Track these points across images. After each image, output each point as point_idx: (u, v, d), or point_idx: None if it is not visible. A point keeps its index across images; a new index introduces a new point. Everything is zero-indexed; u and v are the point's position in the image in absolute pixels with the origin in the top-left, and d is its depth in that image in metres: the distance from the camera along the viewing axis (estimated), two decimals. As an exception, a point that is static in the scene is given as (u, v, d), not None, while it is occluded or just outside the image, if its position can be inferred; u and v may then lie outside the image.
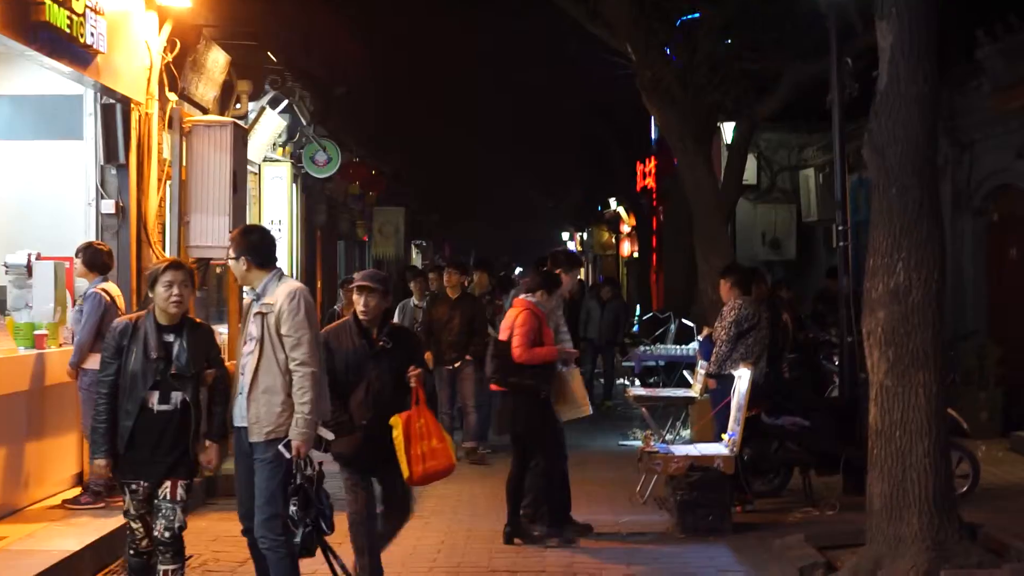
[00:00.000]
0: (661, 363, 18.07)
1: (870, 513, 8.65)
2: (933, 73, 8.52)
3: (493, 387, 10.51)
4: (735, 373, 10.73)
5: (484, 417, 14.29)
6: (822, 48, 16.33)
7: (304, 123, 18.26)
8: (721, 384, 11.16)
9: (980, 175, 16.91)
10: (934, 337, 8.52)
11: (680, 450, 10.51)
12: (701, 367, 12.47)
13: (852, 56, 12.38)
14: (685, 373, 15.58)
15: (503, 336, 10.19)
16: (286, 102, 16.68)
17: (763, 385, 11.12)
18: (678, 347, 17.33)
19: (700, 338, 13.14)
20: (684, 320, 18.73)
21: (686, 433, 14.68)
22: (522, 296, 10.43)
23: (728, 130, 20.52)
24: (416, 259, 48.36)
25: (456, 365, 14.37)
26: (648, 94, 15.52)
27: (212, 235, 11.47)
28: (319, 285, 25.10)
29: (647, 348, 17.69)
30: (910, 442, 8.47)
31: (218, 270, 14.54)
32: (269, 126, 16.54)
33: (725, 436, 10.53)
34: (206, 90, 13.68)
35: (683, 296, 22.25)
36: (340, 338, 7.97)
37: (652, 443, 10.51)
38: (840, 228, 12.08)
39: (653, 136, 33.85)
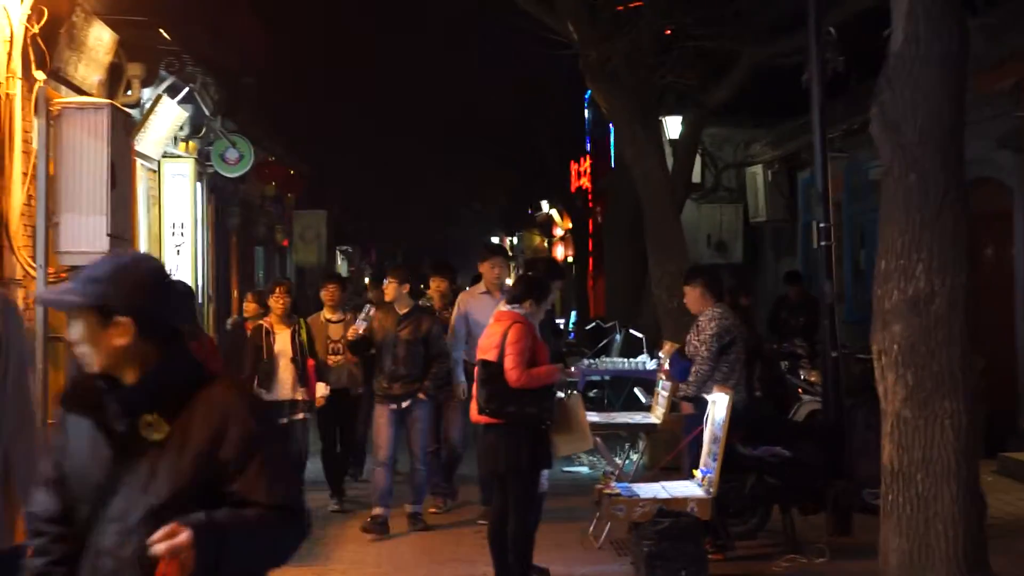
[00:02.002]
0: (606, 378, 16.41)
1: (884, 573, 7.07)
2: (961, 28, 6.98)
3: (482, 419, 8.59)
4: (709, 398, 9.07)
5: (441, 466, 11.94)
6: (782, 28, 14.91)
7: (208, 114, 16.40)
8: (699, 409, 9.51)
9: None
10: (963, 356, 7.04)
11: (646, 491, 8.81)
12: (663, 388, 10.82)
13: (834, 26, 10.77)
14: (637, 391, 13.92)
15: (489, 356, 8.46)
16: (187, 90, 14.84)
17: (740, 410, 9.50)
18: (625, 360, 15.68)
19: (662, 354, 11.45)
20: (632, 331, 17.08)
21: (635, 458, 13.06)
22: (506, 307, 8.74)
23: (672, 124, 18.99)
24: (342, 266, 46.56)
25: (405, 405, 10.93)
26: (593, 77, 13.92)
27: (87, 238, 9.61)
28: (235, 294, 23.28)
29: (591, 361, 16.01)
30: (935, 486, 6.94)
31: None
32: (167, 117, 14.72)
33: (697, 473, 8.89)
34: (88, 72, 11.84)
35: (627, 304, 20.63)
36: (81, 419, 3.54)
37: (612, 482, 8.79)
38: (822, 226, 10.48)
39: (588, 134, 32.43)
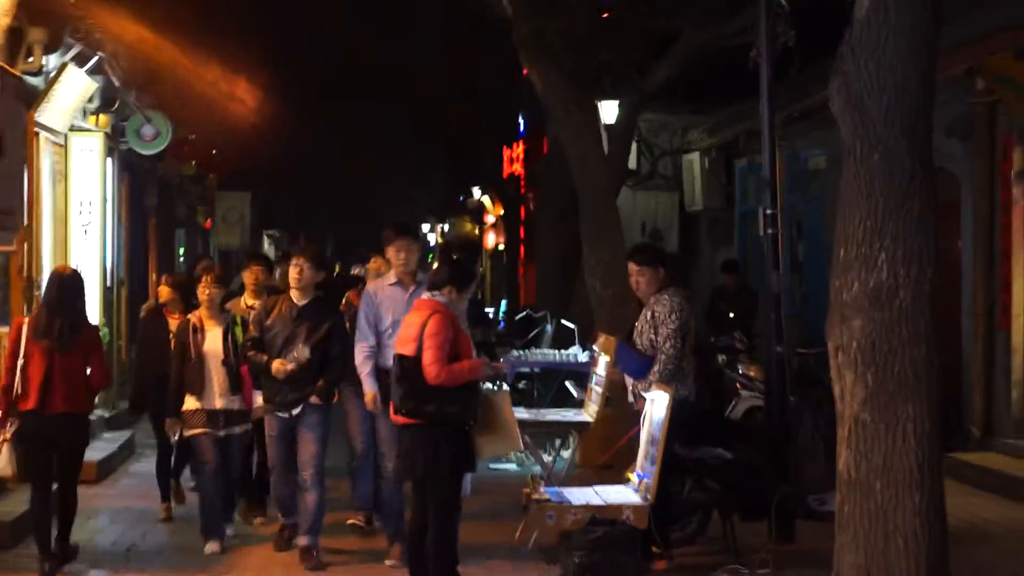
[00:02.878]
0: (536, 370, 15.65)
1: (838, 592, 6.44)
2: (934, -2, 6.34)
3: (400, 419, 7.76)
4: (647, 396, 8.38)
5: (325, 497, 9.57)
6: (725, 7, 14.31)
7: (117, 85, 15.47)
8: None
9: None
10: (928, 355, 6.41)
11: (578, 496, 8.10)
12: (597, 383, 10.13)
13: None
14: (568, 384, 13.23)
15: (407, 349, 7.66)
16: (96, 59, 13.93)
17: (692, 402, 8.81)
18: (556, 352, 14.96)
19: (596, 347, 10.72)
20: (564, 321, 16.36)
21: (566, 455, 12.38)
22: (425, 295, 7.95)
23: (607, 109, 18.33)
24: (268, 250, 45.55)
25: (295, 412, 9.26)
26: (527, 52, 13.20)
27: (-32, 213, 8.78)
28: (152, 277, 22.37)
29: (521, 353, 15.26)
30: (895, 497, 6.33)
31: (-6, 259, 11.85)
32: (74, 87, 13.78)
33: (633, 477, 8.20)
34: (-18, 35, 10.99)
35: (558, 293, 19.92)
36: None
37: (541, 487, 8.05)
38: (769, 212, 9.84)
39: (521, 120, 31.79)
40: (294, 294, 9.41)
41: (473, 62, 26.33)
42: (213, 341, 9.67)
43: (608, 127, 17.42)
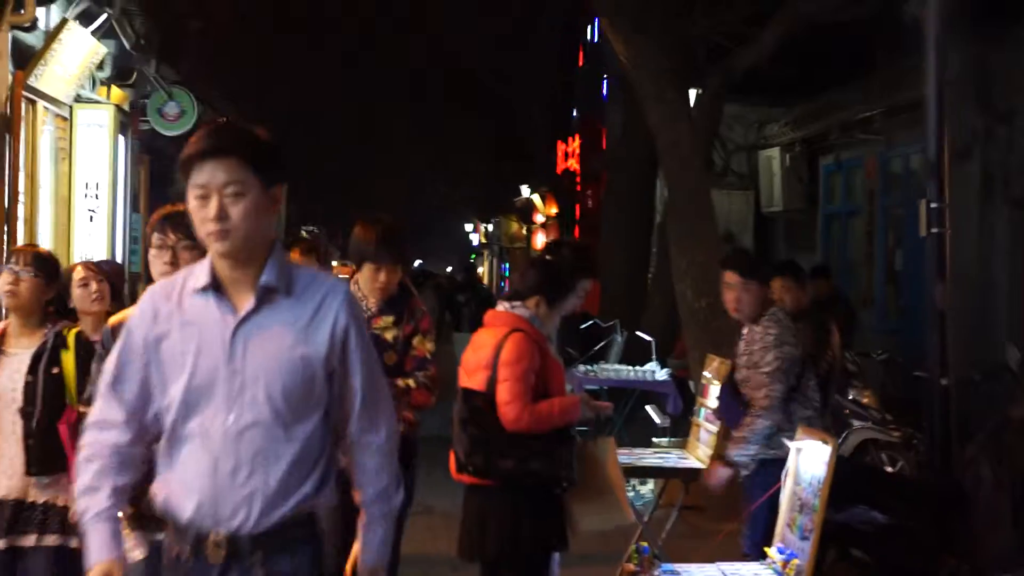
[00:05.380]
0: (604, 388, 13.58)
1: None
2: None
3: (466, 479, 5.75)
4: (792, 445, 6.30)
5: None
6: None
7: (128, 48, 13.61)
8: (762, 473, 6.75)
9: (1022, 155, 12.95)
10: None
11: (701, 578, 6.04)
12: (706, 419, 8.04)
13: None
14: (650, 410, 11.16)
15: (474, 382, 5.70)
16: (104, 17, 12.06)
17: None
18: (630, 368, 12.96)
19: (708, 372, 8.51)
20: (639, 333, 14.30)
21: (645, 491, 10.37)
22: (504, 307, 5.94)
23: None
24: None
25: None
26: (613, 20, 11.25)
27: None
28: (178, 272, 20.54)
29: (590, 368, 13.23)
30: None
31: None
32: (78, 50, 11.95)
33: (772, 553, 6.14)
34: (-41, -24, 9.13)
35: (626, 300, 17.93)
36: None
37: (656, 571, 5.93)
38: (933, 207, 7.72)
39: (578, 112, 30.19)
40: None
41: (528, 49, 24.72)
42: (9, 373, 5.67)
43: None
